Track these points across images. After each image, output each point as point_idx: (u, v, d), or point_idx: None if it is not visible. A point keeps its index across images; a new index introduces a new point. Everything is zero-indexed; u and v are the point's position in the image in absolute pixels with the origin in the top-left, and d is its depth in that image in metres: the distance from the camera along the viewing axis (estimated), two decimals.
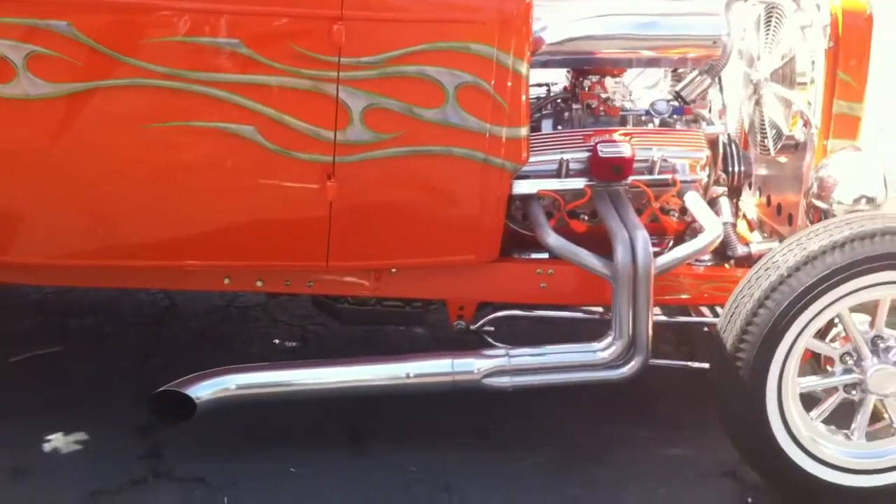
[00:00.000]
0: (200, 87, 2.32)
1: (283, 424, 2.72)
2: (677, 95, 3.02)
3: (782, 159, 3.00)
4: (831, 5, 2.78)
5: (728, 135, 3.03)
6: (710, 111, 3.11)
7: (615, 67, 2.95)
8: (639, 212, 2.75)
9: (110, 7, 2.27)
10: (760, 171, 3.13)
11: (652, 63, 2.98)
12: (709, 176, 2.97)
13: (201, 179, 2.45)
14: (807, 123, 2.87)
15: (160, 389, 2.50)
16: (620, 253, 2.53)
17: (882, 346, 2.44)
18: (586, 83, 2.94)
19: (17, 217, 2.48)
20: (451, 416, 2.79)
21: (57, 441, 2.64)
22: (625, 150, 2.72)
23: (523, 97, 2.56)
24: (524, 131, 2.59)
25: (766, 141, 2.98)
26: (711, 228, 2.63)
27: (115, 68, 2.29)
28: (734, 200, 3.04)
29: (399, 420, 2.76)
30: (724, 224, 2.89)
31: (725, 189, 3.02)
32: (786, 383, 2.38)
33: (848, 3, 2.80)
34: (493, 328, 2.79)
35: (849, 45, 2.78)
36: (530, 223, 2.70)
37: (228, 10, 2.29)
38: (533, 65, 2.84)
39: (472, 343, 2.77)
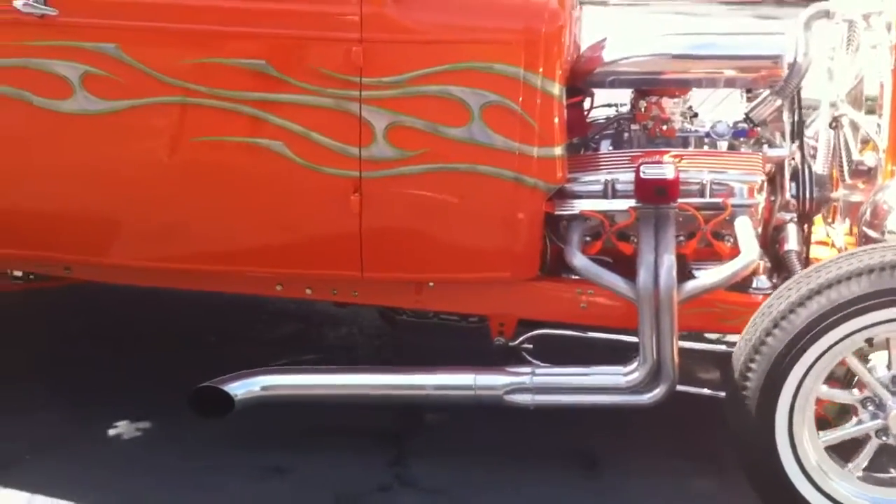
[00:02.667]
0: (232, 105, 2.49)
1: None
2: (747, 117, 2.92)
3: (861, 185, 2.84)
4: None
5: (800, 158, 2.90)
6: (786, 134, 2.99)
7: (673, 87, 2.89)
8: (691, 236, 2.70)
9: (152, 31, 2.48)
10: (848, 197, 2.98)
11: (711, 84, 2.89)
12: (773, 201, 2.86)
13: (240, 191, 2.61)
14: (875, 148, 2.71)
15: (202, 385, 2.70)
16: (642, 276, 2.49)
17: None
18: (642, 104, 2.90)
19: (96, 221, 2.76)
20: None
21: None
22: (668, 171, 2.65)
23: (556, 117, 2.57)
24: (558, 150, 2.60)
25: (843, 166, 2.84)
26: (745, 255, 2.52)
27: (157, 87, 2.50)
28: (804, 227, 2.90)
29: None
30: (790, 252, 2.79)
31: (794, 215, 2.90)
32: (798, 423, 2.27)
33: None
34: (531, 346, 2.82)
35: None
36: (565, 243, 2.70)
37: (255, 33, 2.45)
38: (593, 84, 2.89)
39: (514, 359, 2.82)
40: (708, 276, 2.54)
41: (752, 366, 2.26)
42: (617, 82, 2.89)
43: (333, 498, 2.61)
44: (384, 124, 2.51)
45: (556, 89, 2.55)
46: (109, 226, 2.71)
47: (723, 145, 2.89)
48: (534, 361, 2.76)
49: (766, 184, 2.75)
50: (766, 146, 2.85)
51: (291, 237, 2.68)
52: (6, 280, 3.09)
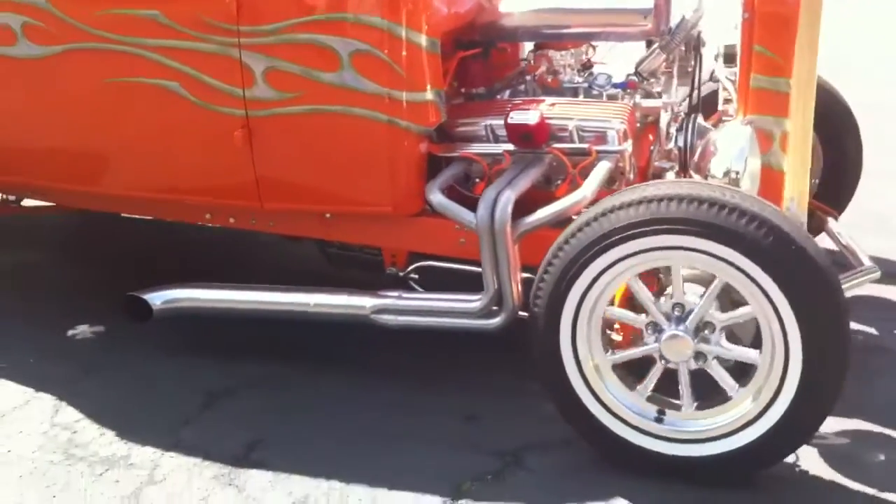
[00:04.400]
0: (135, 49, 2.89)
1: None
2: (635, 70, 3.07)
3: None
4: None
5: (680, 109, 3.02)
6: None
7: (556, 41, 3.07)
8: (564, 179, 2.89)
9: None
10: None
11: (588, 36, 3.05)
12: (652, 149, 3.01)
13: (150, 127, 3.02)
14: (728, 99, 2.82)
15: (130, 293, 3.13)
16: (480, 211, 2.69)
17: (682, 313, 2.42)
18: (530, 56, 3.09)
19: (45, 150, 3.22)
20: None
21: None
22: (531, 117, 2.85)
23: (424, 65, 2.81)
24: (429, 96, 2.85)
25: None
26: (575, 194, 2.68)
27: (78, 34, 2.93)
28: (684, 175, 3.02)
29: None
30: None
31: (674, 164, 3.03)
32: (581, 336, 2.46)
33: None
34: (417, 276, 3.08)
35: (767, 17, 2.70)
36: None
37: None
38: (489, 37, 3.11)
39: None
40: (540, 212, 2.72)
41: (541, 285, 2.47)
42: (507, 36, 3.11)
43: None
44: (262, 68, 2.83)
45: (423, 40, 2.79)
46: (55, 154, 3.19)
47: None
48: (417, 288, 3.04)
49: (632, 132, 2.90)
50: (639, 97, 2.99)
51: (196, 169, 3.05)
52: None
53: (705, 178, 2.65)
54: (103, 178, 3.20)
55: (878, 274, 3.06)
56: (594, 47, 3.30)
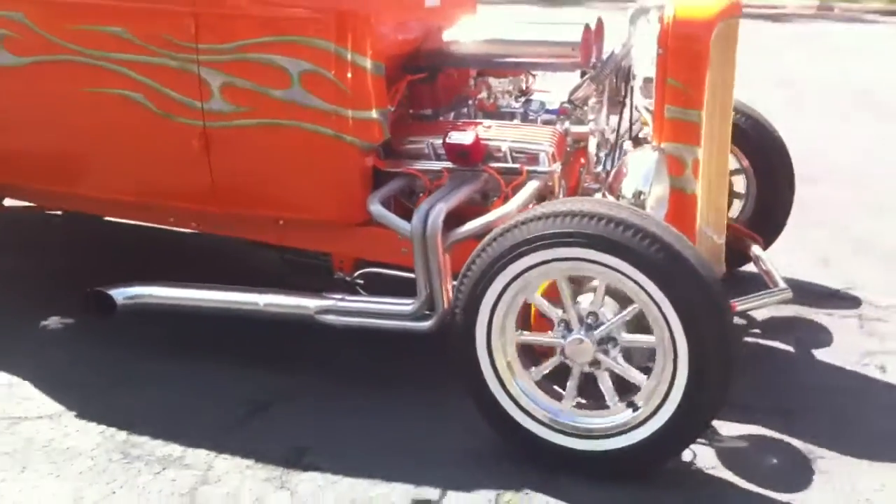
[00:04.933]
0: (103, 63, 3.13)
1: None
2: (568, 98, 3.31)
3: None
4: (665, 15, 2.96)
5: (610, 135, 3.26)
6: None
7: (491, 69, 3.32)
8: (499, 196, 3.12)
9: (44, 2, 3.17)
10: None
11: (522, 66, 3.30)
12: (581, 171, 3.25)
13: (117, 134, 3.25)
14: (643, 127, 3.06)
15: (95, 288, 3.35)
16: (413, 221, 2.92)
17: (593, 322, 2.65)
18: (471, 82, 3.34)
19: (22, 152, 3.45)
20: None
21: None
22: (467, 138, 3.09)
23: (369, 86, 3.05)
24: (374, 114, 3.08)
25: None
26: (499, 210, 2.91)
27: (52, 47, 3.18)
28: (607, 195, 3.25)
29: None
30: None
31: (601, 186, 3.26)
32: (496, 331, 2.68)
33: (682, 13, 2.96)
34: (362, 281, 3.31)
35: (679, 53, 2.95)
36: None
37: (114, 5, 3.09)
38: (434, 63, 3.35)
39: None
40: (469, 224, 2.94)
41: (461, 289, 2.70)
42: (451, 63, 3.35)
43: None
44: (219, 83, 3.08)
45: (368, 63, 3.03)
46: (32, 157, 3.44)
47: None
48: (361, 292, 3.27)
49: (560, 154, 3.14)
50: (567, 123, 3.23)
51: (159, 174, 3.29)
52: None
53: (617, 197, 2.89)
54: (76, 180, 3.44)
55: (789, 294, 3.30)
56: (534, 76, 3.55)
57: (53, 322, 3.70)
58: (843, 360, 3.41)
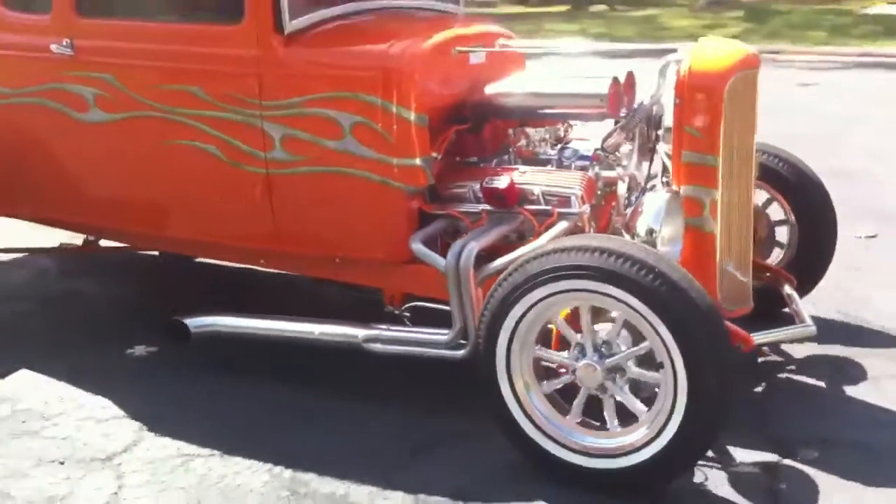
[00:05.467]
0: (181, 118, 3.54)
1: None
2: (601, 145, 3.56)
3: None
4: (682, 67, 3.19)
5: (637, 178, 3.49)
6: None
7: (529, 119, 3.60)
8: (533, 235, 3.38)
9: (130, 66, 3.61)
10: None
11: (555, 117, 3.56)
12: (611, 212, 3.48)
13: (195, 181, 3.66)
14: (665, 170, 3.28)
15: (173, 318, 3.73)
16: (448, 258, 3.20)
17: (607, 351, 2.86)
18: (511, 131, 3.63)
19: (112, 198, 3.89)
20: None
21: None
22: (502, 182, 3.37)
23: (413, 136, 3.35)
24: (418, 161, 3.39)
25: None
26: (522, 249, 3.15)
27: (138, 105, 3.61)
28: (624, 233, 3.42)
29: None
30: None
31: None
32: (515, 355, 2.92)
33: (697, 65, 3.19)
34: (408, 314, 3.60)
35: (694, 102, 3.17)
36: None
37: (191, 68, 3.50)
38: (478, 115, 3.64)
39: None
40: (499, 260, 3.19)
41: (482, 318, 2.96)
42: (492, 114, 3.64)
43: None
44: (280, 135, 3.45)
45: (412, 115, 3.34)
46: (121, 202, 3.87)
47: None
48: (407, 323, 3.56)
49: (590, 197, 3.38)
50: (598, 168, 3.47)
51: (229, 217, 3.67)
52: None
53: (633, 236, 3.11)
54: (159, 223, 3.86)
55: (812, 331, 3.44)
56: (571, 125, 3.81)
57: (162, 354, 3.98)
58: (880, 397, 3.49)
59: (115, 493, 3.02)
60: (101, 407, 3.53)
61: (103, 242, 4.55)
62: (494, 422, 3.03)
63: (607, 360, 2.85)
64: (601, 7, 23.17)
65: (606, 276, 2.72)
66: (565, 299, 2.85)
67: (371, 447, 3.26)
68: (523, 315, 2.89)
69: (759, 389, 3.60)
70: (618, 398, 2.89)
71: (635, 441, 2.84)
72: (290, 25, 3.40)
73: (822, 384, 3.64)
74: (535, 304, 2.86)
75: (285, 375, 3.75)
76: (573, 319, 2.96)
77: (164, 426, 3.39)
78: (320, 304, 4.16)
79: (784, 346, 3.84)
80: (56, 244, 4.66)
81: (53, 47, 3.69)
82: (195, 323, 3.69)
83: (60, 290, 4.73)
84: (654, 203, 3.09)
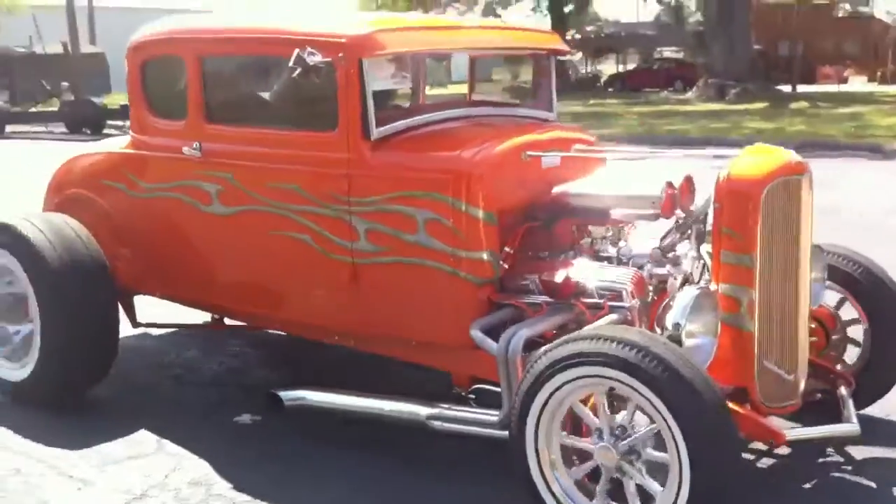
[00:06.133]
0: (284, 212, 4.05)
1: None
2: (659, 244, 3.80)
3: None
4: (721, 174, 3.42)
5: (680, 277, 3.70)
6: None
7: (593, 218, 3.88)
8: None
9: (245, 167, 4.17)
10: None
11: (613, 216, 3.83)
12: (663, 307, 3.71)
13: (295, 267, 4.14)
14: (707, 269, 3.49)
15: (270, 391, 4.19)
16: (498, 345, 3.53)
17: (621, 434, 3.08)
18: (574, 229, 3.93)
19: (233, 281, 4.45)
20: None
21: None
22: (559, 277, 3.68)
23: (480, 231, 3.72)
24: (485, 255, 3.74)
25: None
26: (574, 334, 3.39)
27: (251, 200, 4.16)
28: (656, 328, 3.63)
29: None
30: None
31: None
32: (542, 432, 3.19)
33: (735, 172, 3.43)
34: (473, 396, 3.90)
35: (732, 206, 3.40)
36: None
37: (293, 169, 4.01)
38: (546, 214, 3.96)
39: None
40: (543, 348, 3.45)
41: (516, 397, 3.24)
42: (560, 213, 3.96)
43: None
44: (364, 228, 3.89)
45: (480, 213, 3.72)
46: (235, 284, 4.41)
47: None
48: (472, 404, 3.86)
49: (640, 292, 3.62)
50: (650, 266, 3.71)
51: (322, 300, 4.12)
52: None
53: (662, 329, 3.33)
54: (265, 304, 4.38)
55: (855, 432, 3.52)
56: (634, 224, 4.06)
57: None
58: None
59: None
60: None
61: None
62: (525, 495, 3.28)
63: (621, 443, 3.07)
64: (802, 104, 22.61)
65: (617, 363, 2.97)
66: (585, 384, 3.11)
67: None
68: (549, 398, 3.16)
69: (807, 486, 3.68)
70: (636, 481, 3.09)
71: None
72: (376, 133, 3.88)
73: (872, 485, 3.68)
74: (559, 387, 3.13)
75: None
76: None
77: None
78: (401, 381, 4.52)
79: (854, 449, 3.91)
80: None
81: (185, 149, 4.32)
82: (288, 396, 4.15)
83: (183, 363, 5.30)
84: (683, 299, 3.31)
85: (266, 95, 4.48)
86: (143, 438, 4.27)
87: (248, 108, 4.57)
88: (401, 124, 4.01)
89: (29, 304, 4.49)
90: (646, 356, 2.94)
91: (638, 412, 3.10)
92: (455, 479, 3.81)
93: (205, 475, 3.91)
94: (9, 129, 22.97)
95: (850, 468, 3.82)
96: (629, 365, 2.95)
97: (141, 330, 5.23)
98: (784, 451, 3.88)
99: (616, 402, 3.17)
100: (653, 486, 3.06)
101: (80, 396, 4.61)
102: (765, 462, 3.86)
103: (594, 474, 3.22)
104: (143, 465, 4.01)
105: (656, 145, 14.07)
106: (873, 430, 4.01)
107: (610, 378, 3.02)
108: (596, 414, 3.16)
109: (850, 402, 3.73)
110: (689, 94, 27.68)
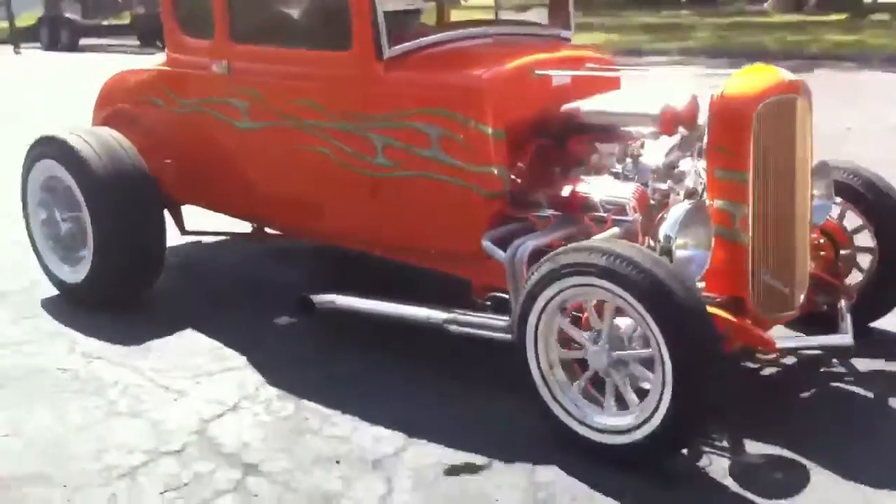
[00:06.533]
0: (306, 127, 4.26)
1: None
2: (664, 161, 3.91)
3: None
4: (715, 93, 3.51)
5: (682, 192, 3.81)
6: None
7: (601, 135, 4.00)
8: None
9: (271, 85, 4.38)
10: None
11: (620, 132, 3.94)
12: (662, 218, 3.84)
13: (317, 179, 4.37)
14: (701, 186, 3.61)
15: (303, 295, 4.44)
16: (507, 252, 3.73)
17: (618, 344, 3.28)
18: (581, 146, 4.05)
19: (261, 192, 4.68)
20: None
21: None
22: (566, 191, 3.84)
23: (490, 147, 3.88)
24: (495, 170, 3.91)
25: None
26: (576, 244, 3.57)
27: (276, 116, 4.37)
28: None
29: None
30: None
31: None
32: (542, 333, 3.40)
33: (729, 90, 3.51)
34: (489, 303, 4.10)
35: (725, 124, 3.50)
36: None
37: (313, 86, 4.20)
38: (557, 130, 4.10)
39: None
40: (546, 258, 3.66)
41: (518, 304, 3.45)
42: (570, 131, 4.08)
43: None
44: (381, 144, 4.08)
45: (489, 130, 3.87)
46: (266, 196, 4.66)
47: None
48: (488, 310, 4.07)
49: (643, 207, 3.75)
50: (652, 181, 3.83)
51: (345, 211, 4.35)
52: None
53: (654, 241, 3.47)
54: (292, 214, 4.64)
55: (847, 343, 3.62)
56: (643, 142, 4.16)
57: None
58: None
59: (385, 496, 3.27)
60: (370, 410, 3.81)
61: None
62: (529, 395, 3.49)
63: (615, 353, 3.27)
64: (884, 16, 21.78)
65: (604, 272, 3.15)
66: (577, 293, 3.29)
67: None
68: (546, 304, 3.35)
69: (805, 395, 3.84)
70: (617, 386, 3.29)
71: (627, 424, 3.24)
72: (389, 52, 4.05)
73: (870, 395, 3.82)
74: (555, 295, 3.32)
75: None
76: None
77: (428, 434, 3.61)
78: (419, 287, 4.61)
79: (858, 361, 4.03)
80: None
81: (214, 67, 4.54)
82: (318, 299, 4.40)
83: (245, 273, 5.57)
84: (675, 213, 3.43)
85: (287, 16, 4.66)
86: (230, 353, 4.37)
87: (271, 28, 4.75)
88: (413, 44, 4.15)
89: (81, 214, 4.80)
90: (628, 265, 3.10)
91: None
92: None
93: (293, 387, 4.00)
94: (82, 41, 23.54)
95: (851, 379, 3.94)
96: (614, 273, 3.13)
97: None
98: (789, 361, 4.03)
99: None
100: (631, 396, 3.27)
101: (131, 298, 4.91)
102: (767, 372, 4.01)
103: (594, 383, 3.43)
104: (235, 377, 4.14)
105: (732, 58, 13.89)
106: (881, 343, 4.15)
107: (597, 286, 3.20)
108: (589, 322, 3.35)
109: (848, 316, 3.84)
110: (766, 5, 26.86)
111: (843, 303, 3.94)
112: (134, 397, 4.00)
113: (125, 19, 24.95)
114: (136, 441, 3.63)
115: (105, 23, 25.53)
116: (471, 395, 3.90)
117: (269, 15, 4.85)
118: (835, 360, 4.06)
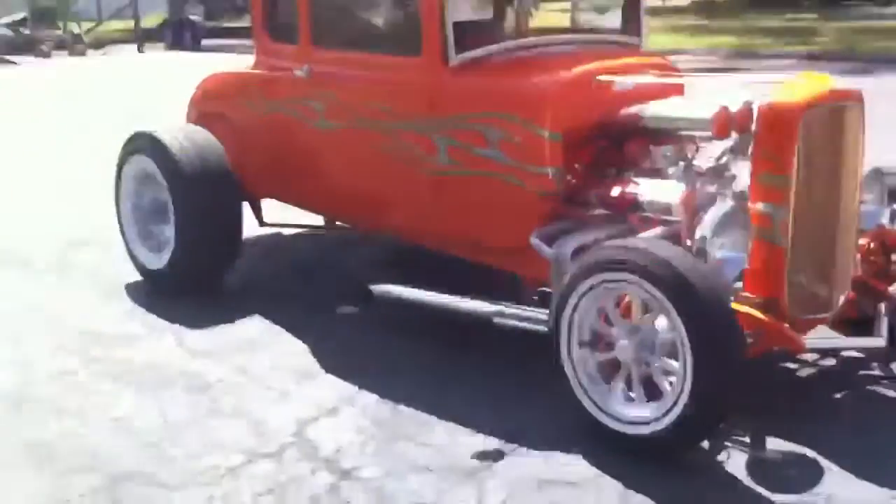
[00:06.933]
0: (377, 128, 4.55)
1: None
2: (715, 164, 4.04)
3: None
4: (762, 101, 3.63)
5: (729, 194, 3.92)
6: None
7: (654, 138, 4.15)
8: None
9: (347, 88, 4.67)
10: None
11: (677, 135, 4.08)
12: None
13: (387, 177, 4.66)
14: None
15: (363, 283, 4.70)
16: (552, 250, 3.94)
17: (646, 341, 3.43)
18: (637, 149, 4.20)
19: (339, 190, 4.99)
20: None
21: None
22: (615, 192, 4.01)
23: (545, 148, 4.09)
24: (548, 170, 4.11)
25: None
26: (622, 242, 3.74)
27: (352, 117, 4.67)
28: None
29: None
30: None
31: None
32: (573, 335, 3.58)
33: (777, 98, 3.62)
34: (536, 297, 4.28)
35: (770, 130, 3.62)
36: None
37: (384, 89, 4.49)
38: (615, 133, 4.27)
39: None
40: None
41: (555, 299, 3.63)
42: (627, 134, 4.23)
43: None
44: (444, 145, 4.33)
45: (546, 133, 4.07)
46: (341, 193, 4.95)
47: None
48: (532, 305, 4.26)
49: (689, 209, 3.88)
50: (700, 183, 3.95)
51: (408, 207, 4.63)
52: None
53: (691, 241, 3.62)
54: (362, 209, 4.95)
55: (880, 344, 3.70)
56: (698, 145, 4.29)
57: None
58: None
59: None
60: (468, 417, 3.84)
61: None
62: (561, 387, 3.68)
63: (642, 354, 3.44)
64: None
65: (635, 269, 3.32)
66: (610, 288, 3.47)
67: None
68: (580, 299, 3.54)
69: (838, 395, 3.92)
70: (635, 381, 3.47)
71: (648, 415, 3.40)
72: (455, 59, 4.31)
73: None
74: (588, 290, 3.50)
75: None
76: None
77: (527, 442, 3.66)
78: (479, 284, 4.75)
79: None
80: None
81: (296, 71, 4.88)
82: (377, 289, 4.65)
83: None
84: (713, 214, 3.58)
85: (365, 23, 4.96)
86: (327, 353, 4.50)
87: (350, 34, 5.08)
88: (479, 52, 4.40)
89: (166, 205, 5.18)
90: (658, 263, 3.27)
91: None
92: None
93: (390, 392, 4.07)
94: (205, 42, 24.55)
95: (886, 383, 4.00)
96: (644, 270, 3.30)
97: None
98: (828, 363, 4.12)
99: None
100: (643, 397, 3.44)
101: (209, 285, 5.27)
102: (804, 373, 4.11)
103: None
104: (333, 380, 4.24)
105: (859, 63, 13.76)
106: None
107: (629, 282, 3.37)
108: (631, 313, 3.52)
109: (885, 319, 3.89)
110: None
111: (882, 306, 3.99)
112: (237, 396, 4.10)
113: (246, 21, 25.84)
114: (236, 441, 3.73)
115: (226, 25, 26.57)
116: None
117: (349, 22, 5.19)
118: (874, 365, 4.12)
